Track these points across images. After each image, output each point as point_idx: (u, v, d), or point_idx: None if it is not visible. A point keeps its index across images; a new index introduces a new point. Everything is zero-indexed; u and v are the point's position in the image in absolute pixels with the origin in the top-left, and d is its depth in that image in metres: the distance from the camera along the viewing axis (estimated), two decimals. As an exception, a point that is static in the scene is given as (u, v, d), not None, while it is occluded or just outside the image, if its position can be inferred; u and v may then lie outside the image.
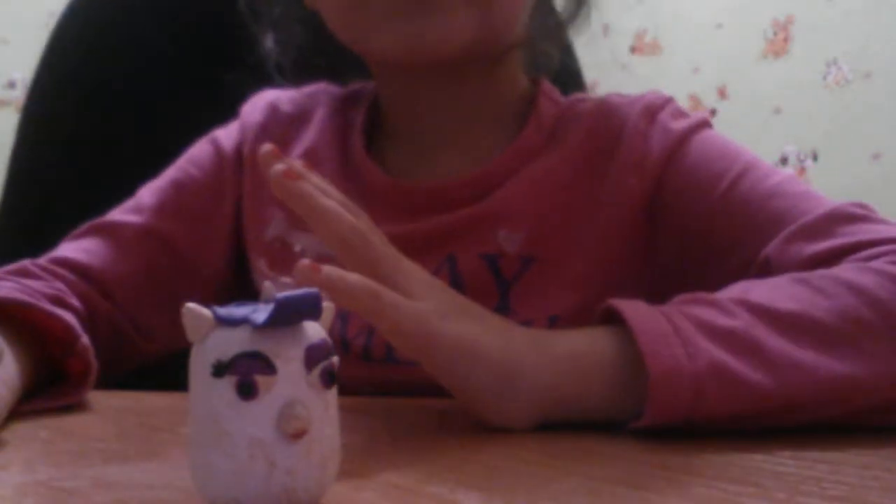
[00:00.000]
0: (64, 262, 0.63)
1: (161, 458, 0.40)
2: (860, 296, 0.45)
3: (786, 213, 0.55)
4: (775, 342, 0.43)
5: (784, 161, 2.98)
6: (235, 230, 0.69)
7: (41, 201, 0.89)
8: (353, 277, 0.41)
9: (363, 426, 0.47)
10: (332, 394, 0.31)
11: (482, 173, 0.63)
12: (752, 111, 3.02)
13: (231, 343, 0.29)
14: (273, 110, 0.71)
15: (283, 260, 0.65)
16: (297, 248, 0.65)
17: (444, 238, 0.62)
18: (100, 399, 0.53)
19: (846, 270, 0.47)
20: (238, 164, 0.70)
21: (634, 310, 0.45)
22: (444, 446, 0.42)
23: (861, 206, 0.53)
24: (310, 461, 0.30)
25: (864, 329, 0.44)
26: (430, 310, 0.44)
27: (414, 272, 0.46)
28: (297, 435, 0.29)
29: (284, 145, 0.69)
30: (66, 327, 0.52)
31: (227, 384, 0.29)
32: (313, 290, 0.30)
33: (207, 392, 0.29)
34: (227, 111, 0.72)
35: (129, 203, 0.69)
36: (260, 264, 0.67)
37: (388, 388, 0.57)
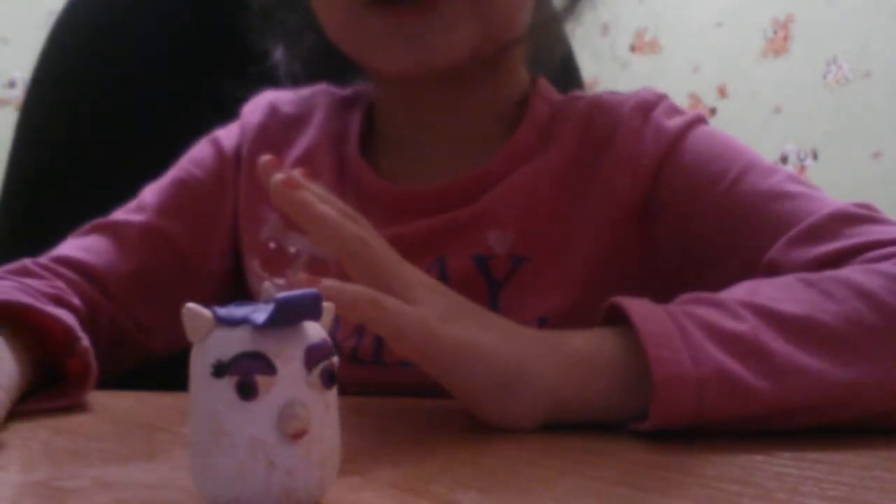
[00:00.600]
0: (65, 261, 0.63)
1: (161, 458, 0.40)
2: (867, 300, 0.44)
3: (789, 214, 0.54)
4: (781, 347, 0.43)
5: (784, 160, 2.98)
6: (234, 230, 0.70)
7: (41, 200, 0.89)
8: (352, 288, 0.41)
9: (363, 426, 0.47)
10: (332, 394, 0.31)
11: (475, 176, 0.63)
12: (752, 110, 3.02)
13: (231, 343, 0.29)
14: (273, 111, 0.72)
15: (277, 261, 0.65)
16: (293, 249, 0.65)
17: (435, 240, 0.62)
18: (100, 399, 0.53)
19: (853, 272, 0.47)
20: (237, 164, 0.70)
21: (640, 310, 0.44)
22: (444, 446, 0.42)
23: (865, 206, 0.53)
24: (310, 461, 0.30)
25: (870, 334, 0.44)
26: (430, 313, 0.44)
27: (414, 276, 0.46)
28: (297, 435, 0.29)
29: (283, 146, 0.70)
30: (67, 329, 0.52)
31: (227, 384, 0.29)
32: (313, 290, 0.30)
33: (207, 392, 0.29)
34: (227, 110, 0.73)
35: (132, 203, 0.69)
36: (254, 265, 0.67)
37: (374, 389, 0.57)
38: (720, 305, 0.45)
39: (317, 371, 0.30)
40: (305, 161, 0.68)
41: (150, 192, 0.69)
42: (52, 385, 0.52)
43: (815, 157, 2.96)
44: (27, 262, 0.61)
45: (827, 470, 0.37)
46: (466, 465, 0.38)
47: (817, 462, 0.38)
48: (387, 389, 0.57)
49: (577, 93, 0.69)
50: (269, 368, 0.29)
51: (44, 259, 0.63)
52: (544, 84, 0.68)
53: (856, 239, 0.50)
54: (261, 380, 0.29)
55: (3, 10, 2.97)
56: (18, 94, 2.87)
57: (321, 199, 0.45)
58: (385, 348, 0.60)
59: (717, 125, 0.64)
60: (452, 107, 0.65)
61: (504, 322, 0.47)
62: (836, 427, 0.44)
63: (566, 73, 0.83)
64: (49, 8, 0.94)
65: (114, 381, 0.58)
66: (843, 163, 2.89)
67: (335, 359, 0.31)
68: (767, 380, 0.42)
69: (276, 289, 0.31)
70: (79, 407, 0.51)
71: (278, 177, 0.43)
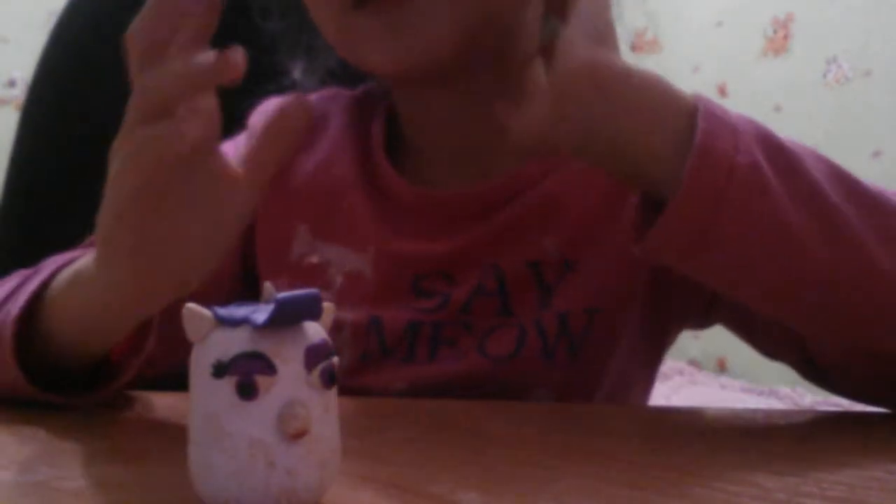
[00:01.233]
0: None
1: (161, 458, 0.40)
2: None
3: None
4: (825, 188, 0.45)
5: (784, 159, 2.98)
6: (244, 251, 0.66)
7: (41, 200, 0.89)
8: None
9: (363, 426, 0.47)
10: (332, 394, 0.31)
11: (515, 176, 0.62)
12: (752, 109, 2.97)
13: (231, 343, 0.29)
14: None
15: (309, 277, 0.63)
16: (315, 259, 0.64)
17: (487, 247, 0.60)
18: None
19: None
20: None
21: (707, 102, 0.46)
22: (444, 446, 0.42)
23: None
24: (310, 461, 0.30)
25: None
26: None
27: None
28: (297, 435, 0.29)
29: (297, 154, 0.67)
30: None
31: (227, 384, 0.29)
32: (313, 290, 0.30)
33: (207, 392, 0.29)
34: (228, 111, 0.72)
35: None
36: (279, 283, 0.64)
37: (425, 391, 0.57)
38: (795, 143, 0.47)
39: (317, 371, 0.30)
40: (326, 169, 0.66)
41: None
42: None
43: (815, 156, 2.96)
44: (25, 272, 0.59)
45: (827, 470, 0.37)
46: (467, 465, 0.39)
47: (817, 462, 0.38)
48: (437, 389, 0.57)
49: None
50: (269, 368, 0.29)
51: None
52: None
53: None
54: (261, 380, 0.29)
55: (3, 10, 2.97)
56: (18, 93, 2.87)
57: None
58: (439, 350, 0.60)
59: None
60: (471, 105, 0.64)
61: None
62: (837, 427, 0.44)
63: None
64: (49, 8, 0.94)
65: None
66: (843, 162, 2.85)
67: (335, 359, 0.31)
68: (794, 200, 0.43)
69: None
70: (79, 407, 0.51)
71: None
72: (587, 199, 0.61)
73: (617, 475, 0.36)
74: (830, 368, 0.52)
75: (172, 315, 0.57)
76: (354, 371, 0.61)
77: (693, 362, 2.95)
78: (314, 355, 0.30)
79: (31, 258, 0.62)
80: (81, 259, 0.50)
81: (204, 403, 0.29)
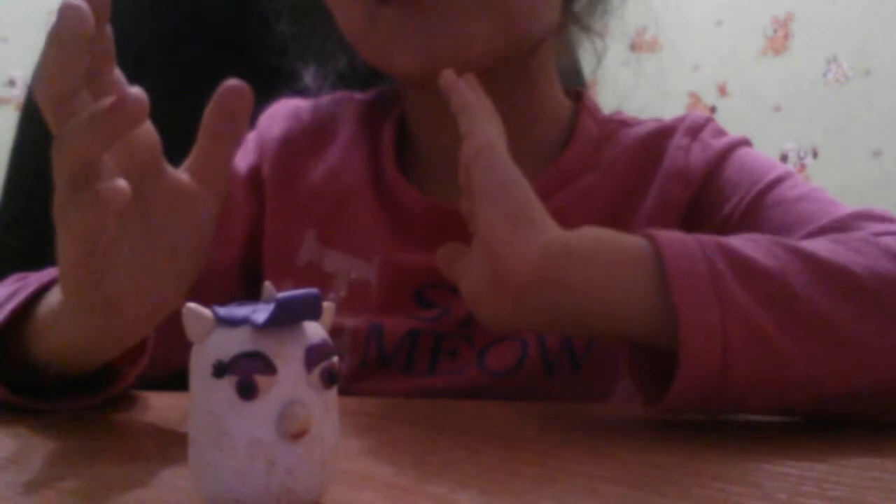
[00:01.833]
0: None
1: (161, 458, 0.40)
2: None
3: (813, 213, 0.55)
4: (811, 294, 0.42)
5: (784, 158, 2.98)
6: (248, 255, 0.66)
7: (41, 199, 0.88)
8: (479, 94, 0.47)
9: (363, 426, 0.47)
10: (332, 394, 0.31)
11: None
12: (752, 109, 3.02)
13: (231, 343, 0.29)
14: (294, 121, 0.68)
15: (313, 283, 0.63)
16: (321, 265, 0.64)
17: None
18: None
19: (882, 237, 0.46)
20: (254, 185, 0.67)
21: (669, 241, 0.44)
22: (444, 446, 0.42)
23: (888, 212, 0.54)
24: (310, 461, 0.30)
25: None
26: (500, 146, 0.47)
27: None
28: (297, 435, 0.29)
29: (309, 159, 0.67)
30: None
31: (227, 384, 0.29)
32: (313, 290, 0.30)
33: (207, 392, 0.29)
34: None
35: None
36: (284, 287, 0.64)
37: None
38: (755, 240, 0.45)
39: (317, 371, 0.30)
40: (336, 175, 0.65)
41: None
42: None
43: (815, 155, 2.96)
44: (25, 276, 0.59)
45: (827, 470, 0.37)
46: (467, 465, 0.38)
47: (817, 462, 0.38)
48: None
49: (623, 116, 0.68)
50: (269, 368, 0.29)
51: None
52: (591, 101, 0.68)
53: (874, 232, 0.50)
54: (261, 380, 0.29)
55: (3, 9, 2.97)
56: (18, 93, 2.87)
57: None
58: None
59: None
60: None
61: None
62: (838, 427, 0.44)
63: (567, 73, 0.82)
64: (49, 8, 0.94)
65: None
66: (843, 161, 2.89)
67: (335, 359, 0.31)
68: (796, 336, 0.42)
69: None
70: (79, 407, 0.51)
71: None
72: (593, 213, 0.62)
73: (617, 475, 0.36)
74: None
75: (174, 315, 0.57)
76: (354, 378, 0.60)
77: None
78: (314, 355, 0.30)
79: (30, 258, 0.62)
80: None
81: (204, 403, 0.29)
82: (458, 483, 0.35)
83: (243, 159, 0.67)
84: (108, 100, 0.37)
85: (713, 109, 3.11)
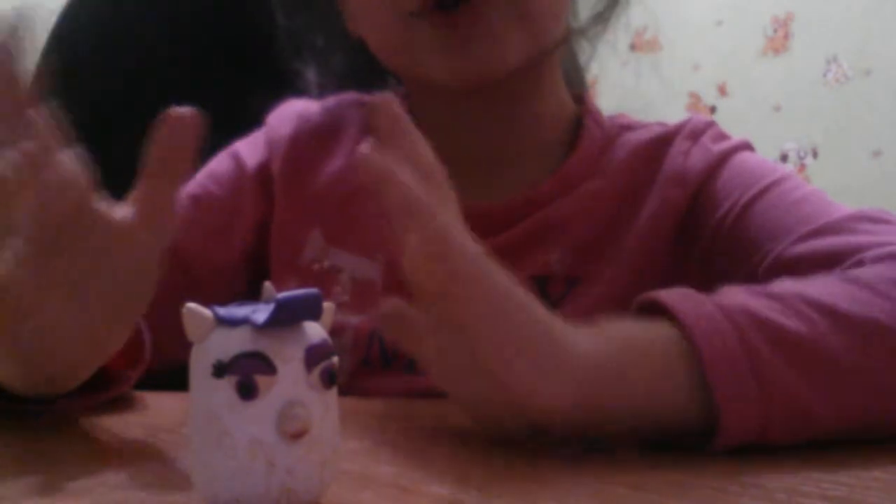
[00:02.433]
0: None
1: (161, 458, 0.40)
2: None
3: (809, 215, 0.55)
4: (846, 353, 0.41)
5: (784, 158, 2.98)
6: (255, 252, 0.66)
7: None
8: (410, 179, 0.38)
9: (363, 426, 0.47)
10: (332, 394, 0.31)
11: (530, 197, 0.62)
12: (752, 108, 3.02)
13: (231, 343, 0.29)
14: (302, 122, 0.69)
15: (318, 282, 0.63)
16: (326, 264, 0.64)
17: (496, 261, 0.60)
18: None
19: (889, 269, 0.45)
20: (263, 182, 0.67)
21: (696, 321, 0.40)
22: (444, 446, 0.42)
23: (886, 212, 0.53)
24: (310, 461, 0.30)
25: None
26: (479, 252, 0.39)
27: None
28: (297, 435, 0.29)
29: (316, 159, 0.67)
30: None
31: (227, 384, 0.29)
32: (313, 290, 0.30)
33: (208, 392, 0.29)
34: (230, 113, 0.72)
35: None
36: (289, 287, 0.64)
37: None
38: (779, 299, 0.42)
39: (317, 371, 0.30)
40: (342, 175, 0.66)
41: None
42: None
43: (815, 155, 2.96)
44: None
45: (827, 470, 0.37)
46: (467, 465, 0.38)
47: (817, 462, 0.38)
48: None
49: (626, 120, 0.69)
50: (269, 368, 0.29)
51: None
52: (594, 106, 0.68)
53: (873, 237, 0.50)
54: (261, 380, 0.29)
55: (3, 8, 2.97)
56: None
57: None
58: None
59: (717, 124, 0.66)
60: (498, 121, 0.64)
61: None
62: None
63: (566, 74, 0.82)
64: (49, 7, 0.94)
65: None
66: (843, 161, 2.89)
67: (335, 359, 0.31)
68: (834, 401, 0.40)
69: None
70: (76, 409, 0.51)
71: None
72: (595, 217, 0.62)
73: (617, 475, 0.36)
74: None
75: (175, 311, 0.56)
76: (355, 376, 0.60)
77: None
78: (314, 355, 0.30)
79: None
80: None
81: (204, 403, 0.29)
82: (459, 483, 0.35)
83: (252, 156, 0.68)
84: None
85: (713, 109, 3.11)
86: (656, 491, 0.34)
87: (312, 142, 0.68)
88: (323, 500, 0.31)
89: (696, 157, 0.63)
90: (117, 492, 0.34)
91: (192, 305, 0.30)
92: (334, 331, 0.32)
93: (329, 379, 0.30)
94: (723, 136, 0.65)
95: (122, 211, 0.43)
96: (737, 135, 0.66)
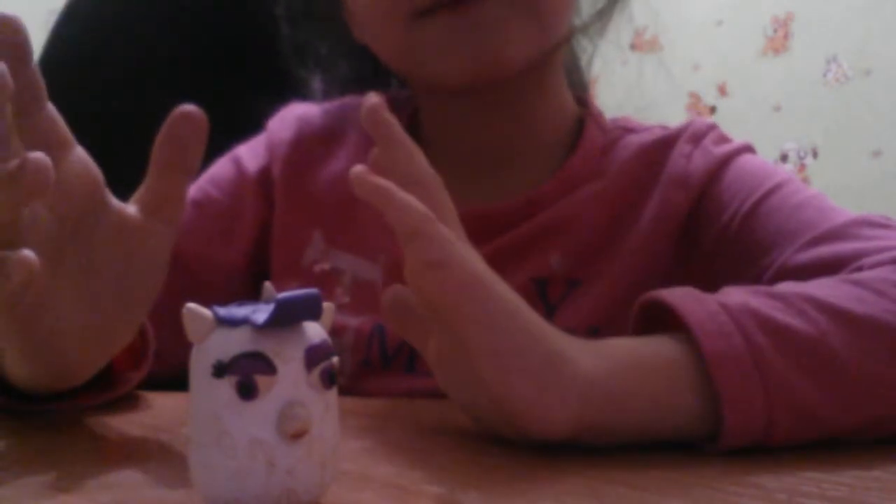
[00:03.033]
0: None
1: (161, 458, 0.40)
2: None
3: (811, 220, 0.55)
4: (852, 356, 0.41)
5: (784, 158, 2.98)
6: (256, 255, 0.67)
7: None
8: (408, 195, 0.38)
9: (363, 426, 0.47)
10: (332, 394, 0.31)
11: (531, 198, 0.62)
12: (752, 108, 3.02)
13: (231, 343, 0.29)
14: (304, 126, 0.69)
15: (319, 284, 0.63)
16: (327, 265, 0.64)
17: (494, 263, 0.61)
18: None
19: (892, 272, 0.45)
20: (264, 186, 0.67)
21: (697, 315, 0.40)
22: (444, 446, 0.42)
23: (888, 217, 0.53)
24: (310, 461, 0.30)
25: None
26: (480, 263, 0.39)
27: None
28: (297, 435, 0.29)
29: (317, 163, 0.67)
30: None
31: (227, 384, 0.29)
32: (313, 290, 0.30)
33: (208, 392, 0.29)
34: (231, 113, 0.72)
35: None
36: (291, 288, 0.64)
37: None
38: (782, 298, 0.42)
39: (317, 371, 0.30)
40: (342, 177, 0.66)
41: None
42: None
43: (815, 155, 2.96)
44: None
45: (827, 470, 0.37)
46: (467, 465, 0.39)
47: (817, 462, 0.38)
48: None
49: (628, 123, 0.69)
50: (269, 368, 0.29)
51: None
52: (596, 109, 0.68)
53: (877, 242, 0.50)
54: (261, 380, 0.29)
55: (3, 9, 2.97)
56: (18, 92, 2.87)
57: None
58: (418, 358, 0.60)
59: (717, 124, 0.65)
60: (501, 123, 0.64)
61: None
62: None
63: (572, 74, 0.83)
64: (49, 7, 0.94)
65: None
66: (843, 161, 2.89)
67: (335, 359, 0.31)
68: (838, 401, 0.40)
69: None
70: (79, 407, 0.51)
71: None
72: (595, 219, 0.62)
73: (617, 475, 0.36)
74: None
75: (178, 312, 0.56)
76: (355, 377, 0.60)
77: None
78: (314, 355, 0.30)
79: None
80: None
81: (204, 403, 0.29)
82: (459, 483, 0.35)
83: (253, 161, 0.68)
84: (14, 163, 0.35)
85: (713, 109, 3.11)
86: (656, 491, 0.34)
87: (314, 144, 0.68)
88: (323, 500, 0.31)
89: (699, 160, 0.63)
90: (118, 491, 0.34)
91: (192, 306, 0.30)
92: (335, 331, 0.32)
93: (329, 379, 0.30)
94: (724, 139, 0.65)
95: (133, 205, 0.43)
96: (737, 135, 0.66)
